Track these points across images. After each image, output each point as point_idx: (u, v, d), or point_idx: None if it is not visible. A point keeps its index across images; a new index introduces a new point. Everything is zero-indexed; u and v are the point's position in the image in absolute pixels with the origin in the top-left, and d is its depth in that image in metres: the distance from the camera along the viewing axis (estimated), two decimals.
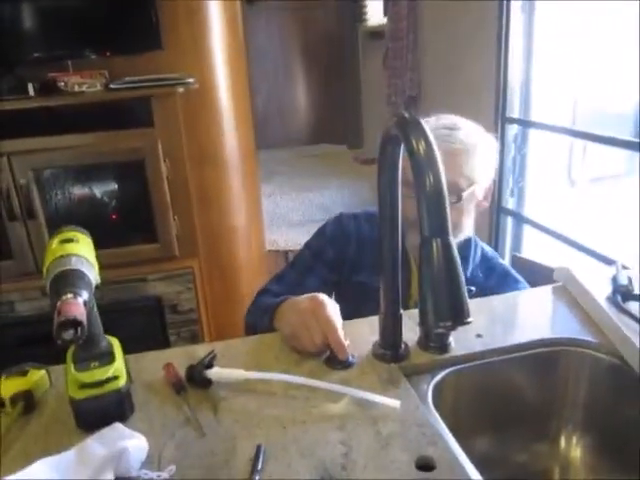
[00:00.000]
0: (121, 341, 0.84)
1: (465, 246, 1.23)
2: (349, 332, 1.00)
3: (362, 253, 1.26)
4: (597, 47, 2.07)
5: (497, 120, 2.23)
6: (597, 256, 1.96)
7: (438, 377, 0.91)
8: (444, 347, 0.95)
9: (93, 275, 0.72)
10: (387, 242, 0.87)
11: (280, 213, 3.09)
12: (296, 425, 0.78)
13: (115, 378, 0.77)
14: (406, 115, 0.71)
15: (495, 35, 2.17)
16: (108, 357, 0.79)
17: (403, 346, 0.94)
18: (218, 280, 2.25)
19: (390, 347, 0.93)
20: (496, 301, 1.14)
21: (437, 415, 0.81)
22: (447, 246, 0.61)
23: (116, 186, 1.95)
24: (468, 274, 1.22)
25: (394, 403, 0.81)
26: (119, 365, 0.79)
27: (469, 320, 0.61)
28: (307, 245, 1.34)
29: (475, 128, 1.17)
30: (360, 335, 1.00)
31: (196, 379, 0.87)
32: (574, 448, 0.98)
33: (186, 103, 1.97)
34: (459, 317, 0.61)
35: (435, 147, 0.64)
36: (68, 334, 0.59)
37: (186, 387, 0.86)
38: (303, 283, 1.25)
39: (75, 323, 0.59)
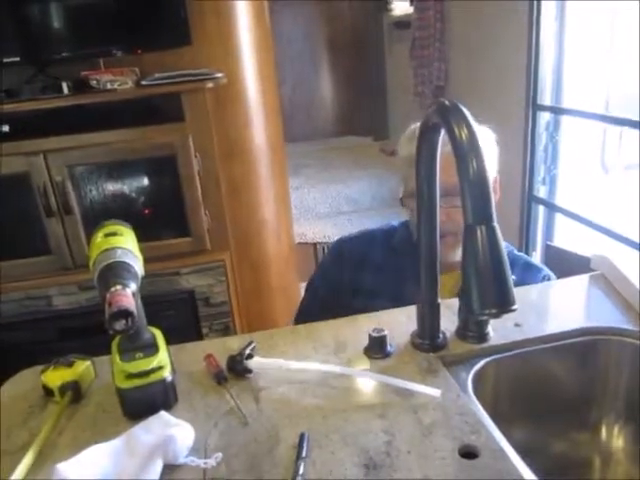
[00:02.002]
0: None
1: None
2: (387, 321, 1.01)
3: (360, 277, 1.25)
4: (629, 33, 2.01)
5: (528, 108, 2.19)
6: (632, 244, 1.92)
7: (477, 366, 0.90)
8: (483, 336, 0.95)
9: (138, 267, 0.73)
10: (425, 230, 0.86)
11: (308, 206, 3.10)
12: (337, 414, 0.79)
13: (160, 368, 0.79)
14: (446, 102, 0.70)
15: (526, 21, 2.13)
16: (152, 348, 0.81)
17: (441, 336, 0.94)
18: (249, 273, 2.27)
19: (428, 336, 0.93)
20: (534, 290, 1.13)
21: (478, 404, 0.81)
22: (492, 232, 0.61)
23: (148, 181, 1.98)
24: None
25: (435, 392, 0.81)
26: (163, 356, 0.81)
27: (514, 307, 0.61)
28: (312, 275, 1.38)
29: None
30: (398, 324, 1.00)
31: (237, 369, 0.88)
32: (616, 438, 0.97)
33: (215, 97, 1.98)
34: (505, 304, 0.61)
35: (477, 133, 0.64)
36: (120, 324, 0.60)
37: (227, 377, 0.88)
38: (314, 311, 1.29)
39: (126, 314, 0.61)
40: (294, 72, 4.07)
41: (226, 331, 2.10)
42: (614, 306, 1.03)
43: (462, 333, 0.96)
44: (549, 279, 1.23)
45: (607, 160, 2.26)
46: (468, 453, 0.70)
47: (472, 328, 0.95)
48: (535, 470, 0.68)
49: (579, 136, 2.22)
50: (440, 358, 0.91)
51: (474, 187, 0.62)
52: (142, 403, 0.78)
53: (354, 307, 1.22)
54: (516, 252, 1.28)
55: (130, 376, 0.77)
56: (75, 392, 0.84)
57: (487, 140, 1.16)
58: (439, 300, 0.91)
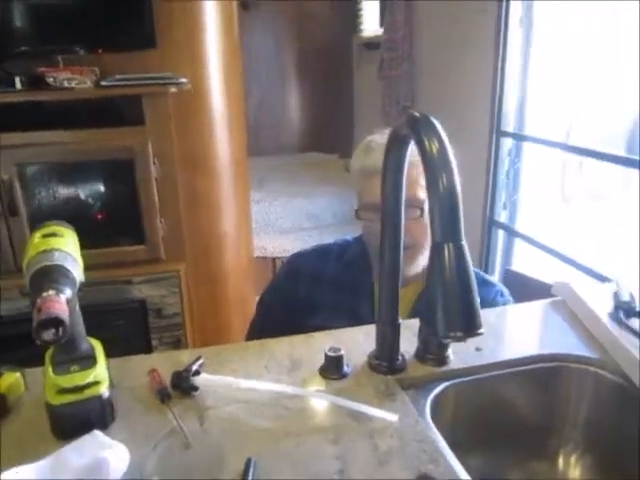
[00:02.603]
0: (102, 344, 0.80)
1: None
2: (344, 340, 0.96)
3: (316, 293, 1.21)
4: (594, 64, 2.07)
5: (492, 133, 2.22)
6: (589, 272, 1.94)
7: (436, 391, 0.87)
8: (442, 359, 0.92)
9: (77, 272, 0.67)
10: (389, 245, 0.83)
11: (269, 220, 3.05)
12: (288, 437, 0.74)
13: (96, 383, 0.72)
14: (417, 114, 0.67)
15: (492, 48, 2.17)
16: (89, 361, 0.74)
17: (400, 357, 0.90)
18: (204, 285, 2.20)
19: (387, 358, 0.89)
20: (494, 314, 1.11)
21: (436, 430, 0.77)
22: (460, 251, 0.57)
23: (103, 185, 1.90)
24: None
25: (392, 417, 0.77)
26: (101, 370, 0.74)
27: (481, 331, 0.58)
28: (264, 291, 1.33)
29: None
30: (355, 344, 0.96)
31: (182, 386, 0.82)
32: (573, 468, 0.95)
33: (178, 104, 1.92)
34: (471, 328, 0.57)
35: (449, 147, 0.61)
36: (48, 334, 0.54)
37: (171, 394, 0.81)
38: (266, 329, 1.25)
39: (57, 322, 0.54)
40: (261, 87, 4.04)
41: (177, 344, 2.02)
42: (575, 333, 1.02)
43: (422, 355, 0.92)
44: (502, 294, 1.21)
45: (566, 189, 2.30)
46: None
47: (432, 350, 0.92)
48: None
49: (540, 164, 2.26)
50: (398, 381, 0.87)
51: (443, 203, 0.59)
52: (75, 421, 0.71)
53: (309, 325, 1.18)
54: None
55: (63, 391, 0.70)
56: (0, 406, 0.76)
57: None
58: (400, 320, 0.88)
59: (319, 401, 0.81)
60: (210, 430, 0.75)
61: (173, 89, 1.82)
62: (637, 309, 1.00)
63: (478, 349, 0.97)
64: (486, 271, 2.32)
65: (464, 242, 0.58)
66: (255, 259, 2.66)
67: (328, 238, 2.97)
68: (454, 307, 0.57)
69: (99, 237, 1.84)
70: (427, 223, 1.12)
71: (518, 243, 2.33)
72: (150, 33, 1.85)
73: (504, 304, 1.21)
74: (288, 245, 2.87)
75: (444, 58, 2.59)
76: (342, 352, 0.87)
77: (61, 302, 0.56)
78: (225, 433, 0.75)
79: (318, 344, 0.97)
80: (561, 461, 0.96)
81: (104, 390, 0.73)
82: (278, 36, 4.10)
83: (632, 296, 1.03)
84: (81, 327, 0.73)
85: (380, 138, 1.14)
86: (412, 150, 1.12)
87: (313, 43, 4.13)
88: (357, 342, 0.98)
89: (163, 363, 0.90)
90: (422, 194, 1.09)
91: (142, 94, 1.79)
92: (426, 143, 0.62)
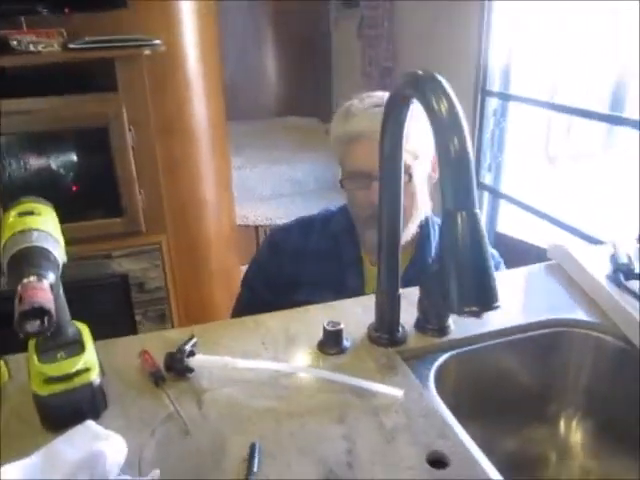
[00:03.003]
0: (87, 324, 0.75)
1: (424, 224, 1.16)
2: (341, 313, 0.93)
3: (299, 269, 1.17)
4: (578, 25, 2.02)
5: (477, 93, 2.17)
6: (575, 232, 1.94)
7: (439, 362, 0.85)
8: (443, 330, 0.89)
9: (59, 253, 0.62)
10: (387, 214, 0.79)
11: (250, 187, 2.98)
12: (292, 418, 0.71)
13: (86, 370, 0.68)
14: (420, 72, 0.63)
15: (477, 5, 2.10)
16: (77, 346, 0.70)
17: (400, 329, 0.88)
18: (187, 257, 2.14)
19: (387, 330, 0.87)
20: None
21: (442, 403, 0.75)
22: (474, 220, 0.54)
23: (77, 155, 1.81)
24: (432, 252, 1.15)
25: (397, 392, 0.74)
26: (90, 355, 0.70)
27: (498, 305, 0.55)
28: (247, 269, 1.29)
29: None
30: (353, 316, 0.93)
31: (177, 368, 0.78)
32: (574, 431, 0.95)
33: (153, 67, 1.83)
34: (487, 301, 0.54)
35: (459, 107, 0.56)
36: (33, 326, 0.49)
37: (165, 377, 0.78)
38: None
39: (41, 312, 0.50)
40: (237, 47, 3.90)
41: (162, 319, 1.97)
42: (573, 297, 1.00)
43: (422, 326, 0.90)
44: (493, 258, 1.19)
45: (551, 150, 2.28)
46: (437, 461, 0.64)
47: (433, 321, 0.89)
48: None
49: (525, 124, 2.22)
50: (399, 353, 0.85)
51: (455, 168, 0.54)
52: (65, 411, 0.67)
53: (295, 301, 1.14)
54: None
55: (50, 380, 0.66)
56: None
57: (424, 114, 1.08)
58: (400, 291, 0.85)
59: (320, 378, 0.78)
60: (209, 414, 0.72)
61: (147, 51, 1.73)
62: (636, 271, 0.99)
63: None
64: None
65: (478, 210, 0.54)
66: (237, 228, 2.60)
67: (312, 205, 2.94)
68: (468, 280, 0.54)
69: (75, 210, 1.76)
70: (415, 189, 1.08)
71: (503, 205, 2.31)
72: None
73: (496, 267, 1.19)
74: (271, 213, 2.82)
75: (427, 16, 2.51)
76: (341, 326, 0.84)
77: (44, 289, 0.51)
78: (225, 417, 0.71)
79: (315, 318, 0.94)
80: (562, 425, 0.95)
81: (95, 377, 0.69)
82: None
83: (630, 258, 1.02)
84: (66, 311, 0.68)
85: (359, 103, 1.08)
86: None
87: (289, 2, 3.98)
88: (355, 314, 0.95)
89: (154, 344, 0.86)
90: (409, 159, 1.05)
91: (114, 57, 1.69)
92: (434, 103, 0.57)
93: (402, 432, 0.68)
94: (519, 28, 2.11)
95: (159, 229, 1.93)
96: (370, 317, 0.91)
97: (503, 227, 2.33)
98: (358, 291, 1.14)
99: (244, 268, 2.85)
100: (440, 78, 0.59)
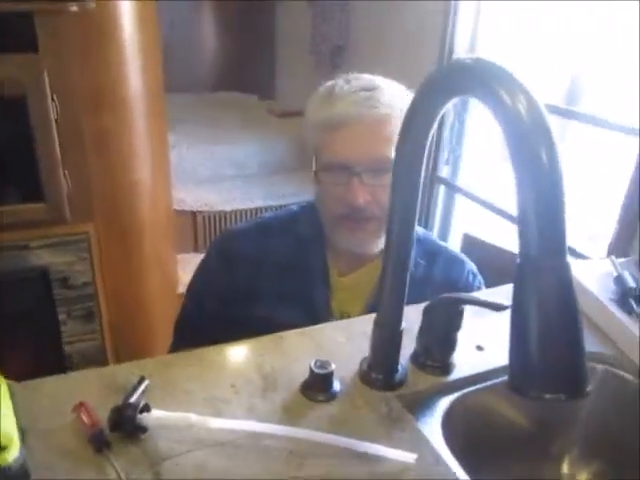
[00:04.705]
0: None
1: None
2: (321, 342, 0.78)
3: (256, 280, 0.99)
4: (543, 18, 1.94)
5: None
6: None
7: (444, 408, 0.72)
8: (446, 367, 0.77)
9: None
10: (400, 228, 0.65)
11: (186, 167, 2.73)
12: None
13: (1, 450, 0.49)
14: (474, 59, 0.48)
15: None
16: None
17: (400, 368, 0.74)
18: (118, 246, 1.90)
19: (384, 370, 0.72)
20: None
21: (461, 469, 0.62)
22: (565, 274, 0.40)
23: None
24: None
25: (409, 458, 0.60)
26: (7, 424, 0.50)
27: (589, 390, 0.41)
28: (193, 277, 1.10)
29: (397, 86, 0.95)
30: (337, 347, 0.79)
31: (125, 428, 0.60)
32: (581, 473, 0.85)
33: (81, 29, 1.56)
34: (577, 387, 0.41)
35: (544, 109, 0.42)
36: None
37: (109, 442, 0.59)
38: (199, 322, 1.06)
39: None
40: (172, 13, 3.57)
41: (89, 318, 1.74)
42: None
43: (422, 362, 0.76)
44: (474, 275, 1.07)
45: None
46: None
47: (435, 357, 0.76)
48: None
49: (485, 119, 2.13)
50: (399, 399, 0.71)
51: (543, 197, 0.40)
52: None
53: (254, 317, 0.97)
54: (438, 241, 1.10)
55: None
56: None
57: (404, 99, 0.92)
58: (403, 325, 0.70)
59: (311, 437, 0.62)
60: None
61: (74, 7, 1.46)
62: None
63: (479, 348, 0.83)
64: (426, 227, 2.20)
65: (568, 260, 0.40)
66: (174, 213, 2.37)
67: (255, 189, 2.74)
68: (555, 358, 0.40)
69: None
70: None
71: (458, 199, 2.23)
72: None
73: (479, 286, 1.07)
74: (211, 197, 2.59)
75: None
76: (332, 367, 0.69)
77: None
78: None
79: (290, 348, 0.79)
80: (567, 465, 0.85)
81: (14, 456, 0.50)
82: None
83: (636, 279, 0.93)
84: None
85: (345, 84, 0.92)
86: (387, 101, 0.93)
87: None
88: (338, 345, 0.80)
89: (92, 388, 0.68)
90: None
91: (33, 11, 1.42)
92: (508, 102, 0.42)
93: None
94: (485, 13, 2.00)
95: (86, 216, 1.68)
96: (356, 348, 0.77)
97: (458, 221, 2.25)
98: (324, 305, 0.98)
99: (180, 257, 2.61)
100: (510, 70, 0.44)
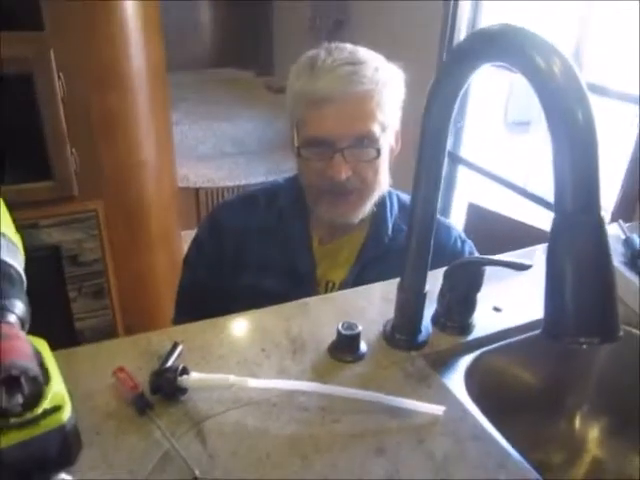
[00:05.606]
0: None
1: (381, 200, 1.01)
2: (344, 307, 0.81)
3: (243, 249, 1.02)
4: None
5: (442, 52, 2.04)
6: (534, 198, 1.89)
7: (466, 365, 0.74)
8: (466, 327, 0.79)
9: (20, 261, 0.44)
10: (424, 199, 0.67)
11: (188, 145, 2.73)
12: (320, 455, 0.58)
13: (55, 410, 0.51)
14: (503, 25, 0.49)
15: None
16: (37, 377, 0.52)
17: (423, 329, 0.76)
18: (125, 224, 1.91)
19: (409, 332, 0.75)
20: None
21: (486, 420, 0.65)
22: (600, 229, 0.42)
23: None
24: (389, 230, 1.02)
25: (438, 410, 0.63)
26: (58, 387, 0.52)
27: (621, 334, 0.43)
28: (189, 249, 1.12)
29: (381, 59, 0.93)
30: (359, 312, 0.81)
31: (166, 390, 0.63)
32: (590, 428, 0.89)
33: (85, 8, 1.55)
34: (610, 331, 0.43)
35: (578, 71, 0.43)
36: (15, 401, 0.32)
37: (152, 403, 0.62)
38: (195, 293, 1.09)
39: (20, 375, 0.32)
40: None
41: (100, 294, 1.76)
42: None
43: (442, 323, 0.79)
44: (463, 240, 1.07)
45: (509, 114, 2.21)
46: None
47: (455, 318, 0.78)
48: None
49: (488, 89, 2.14)
50: (424, 358, 0.73)
51: (578, 156, 0.42)
52: (28, 464, 0.50)
53: (241, 285, 1.01)
54: None
55: (7, 427, 0.49)
56: None
57: (399, 83, 0.94)
58: (426, 288, 0.73)
59: (345, 393, 0.65)
60: (217, 452, 0.57)
61: None
62: None
63: (497, 309, 0.85)
64: None
65: (602, 214, 0.42)
66: (178, 190, 2.38)
67: (257, 165, 2.74)
68: (589, 304, 0.42)
69: None
70: (381, 166, 0.95)
71: (461, 170, 2.24)
72: None
73: (470, 251, 1.08)
74: (213, 174, 2.60)
75: None
76: (359, 329, 0.72)
77: (19, 337, 0.34)
78: (238, 455, 0.57)
79: (315, 313, 0.81)
80: (579, 420, 0.89)
81: (67, 416, 0.52)
82: None
83: None
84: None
85: (327, 56, 0.89)
86: (371, 76, 0.88)
87: None
88: (361, 309, 0.82)
89: (127, 355, 0.70)
90: (379, 131, 0.91)
91: None
92: (542, 65, 0.43)
93: (455, 463, 0.58)
94: None
95: (94, 194, 1.69)
96: (378, 312, 0.79)
97: (460, 192, 2.27)
98: (308, 273, 1.00)
99: (185, 234, 2.63)
100: (544, 36, 0.46)
